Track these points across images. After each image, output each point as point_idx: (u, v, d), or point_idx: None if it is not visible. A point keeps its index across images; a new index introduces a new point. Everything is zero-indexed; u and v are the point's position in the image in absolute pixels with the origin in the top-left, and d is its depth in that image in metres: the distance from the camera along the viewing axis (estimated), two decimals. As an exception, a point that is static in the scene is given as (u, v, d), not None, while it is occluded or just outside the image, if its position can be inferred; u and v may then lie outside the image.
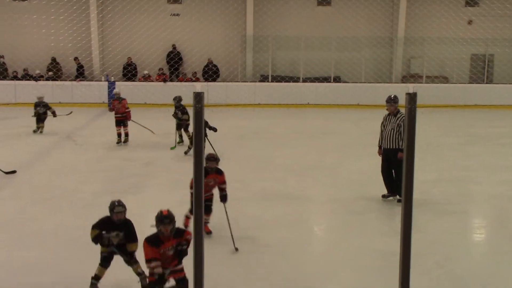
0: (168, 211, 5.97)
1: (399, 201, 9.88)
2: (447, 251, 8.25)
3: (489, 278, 7.34)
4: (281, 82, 25.09)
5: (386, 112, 10.43)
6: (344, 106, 23.41)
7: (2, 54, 25.47)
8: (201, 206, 2.65)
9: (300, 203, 10.47)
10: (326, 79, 25.41)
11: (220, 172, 8.43)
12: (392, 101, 10.28)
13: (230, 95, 23.88)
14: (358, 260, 7.93)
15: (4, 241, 8.43)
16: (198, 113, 2.56)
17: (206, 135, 10.88)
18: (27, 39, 25.51)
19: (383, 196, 10.38)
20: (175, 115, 15.33)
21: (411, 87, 23.37)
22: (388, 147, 10.24)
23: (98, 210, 9.12)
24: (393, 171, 10.24)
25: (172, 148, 15.17)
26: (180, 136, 15.63)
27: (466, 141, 17.08)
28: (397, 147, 10.13)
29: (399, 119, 10.18)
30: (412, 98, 2.78)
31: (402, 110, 10.02)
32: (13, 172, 12.08)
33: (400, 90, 21.49)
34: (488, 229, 9.74)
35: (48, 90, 23.64)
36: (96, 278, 6.60)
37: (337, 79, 25.82)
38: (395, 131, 10.14)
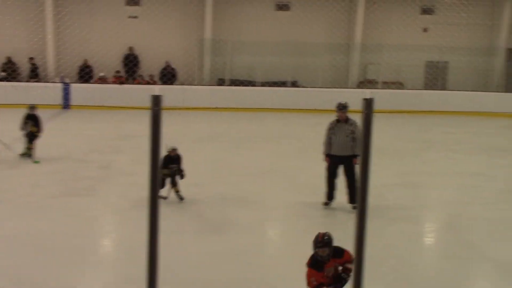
0: (324, 235, 5.84)
1: (354, 208, 9.78)
2: (401, 255, 8.35)
3: (442, 281, 7.45)
4: (239, 86, 25.08)
5: (334, 119, 10.27)
6: (301, 110, 23.51)
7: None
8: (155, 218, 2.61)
9: (256, 207, 10.47)
10: (283, 84, 25.50)
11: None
12: (343, 108, 10.17)
13: (187, 98, 23.74)
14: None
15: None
16: (156, 116, 2.53)
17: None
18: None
19: (325, 204, 10.30)
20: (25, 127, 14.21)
21: (368, 93, 23.60)
22: (342, 154, 10.06)
23: (54, 213, 9.05)
24: (346, 178, 10.11)
25: (36, 162, 13.47)
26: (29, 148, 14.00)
27: (421, 146, 17.34)
28: (351, 153, 10.00)
29: (352, 125, 10.08)
30: (369, 103, 2.79)
31: (352, 117, 10.08)
32: None
33: (357, 96, 21.60)
34: (441, 234, 9.91)
35: (1, 91, 23.16)
36: None
37: (294, 84, 25.93)
38: (349, 138, 10.02)
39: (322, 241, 5.75)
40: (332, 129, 10.20)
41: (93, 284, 7.39)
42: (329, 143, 10.19)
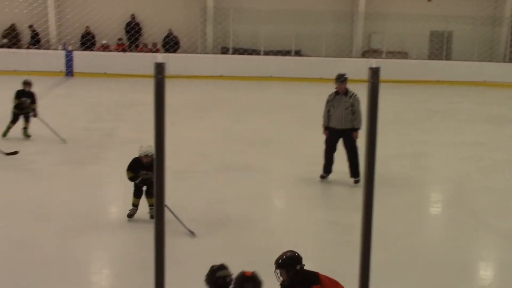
0: (252, 274, 4.59)
1: (356, 182, 9.78)
2: (406, 225, 8.38)
3: (446, 251, 7.48)
4: (242, 54, 24.93)
5: (333, 91, 9.99)
6: (305, 79, 23.40)
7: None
8: (162, 189, 2.59)
9: (259, 176, 10.48)
10: (287, 53, 25.34)
11: None
12: (342, 79, 9.88)
13: (190, 66, 23.60)
14: (318, 233, 8.00)
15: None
16: (160, 84, 2.49)
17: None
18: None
19: (322, 177, 10.11)
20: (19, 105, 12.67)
21: (374, 62, 23.37)
22: (341, 127, 9.78)
23: (59, 180, 9.08)
24: (347, 152, 9.87)
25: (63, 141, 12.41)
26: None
27: (425, 116, 17.27)
28: (351, 126, 9.74)
29: (351, 97, 9.79)
30: (375, 72, 2.73)
31: (351, 89, 9.91)
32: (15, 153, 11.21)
33: (361, 65, 21.61)
34: (445, 203, 9.94)
35: (2, 58, 23.07)
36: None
37: (298, 53, 25.77)
38: (349, 111, 9.72)
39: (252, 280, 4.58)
40: (331, 102, 9.90)
41: (99, 249, 7.43)
42: (327, 116, 9.91)
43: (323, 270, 6.06)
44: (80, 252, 7.17)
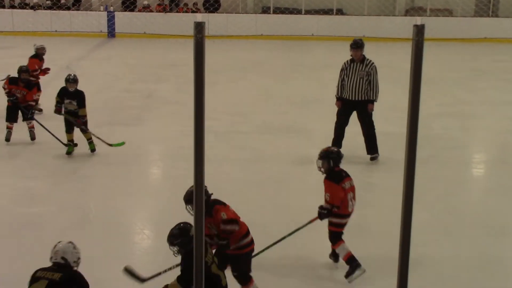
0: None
1: (373, 159, 9.02)
2: (448, 186, 8.28)
3: (489, 213, 7.38)
4: (283, 13, 24.67)
5: (349, 59, 9.04)
6: (347, 38, 23.03)
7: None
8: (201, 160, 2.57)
9: (301, 136, 10.44)
10: (328, 11, 24.98)
11: None
12: (358, 46, 8.91)
13: (231, 26, 23.49)
14: (359, 195, 7.94)
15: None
16: (199, 44, 2.46)
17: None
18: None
19: None
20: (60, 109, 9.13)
21: (418, 19, 22.87)
22: (356, 98, 8.86)
23: (100, 141, 9.18)
24: (361, 126, 9.03)
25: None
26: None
27: (470, 75, 16.89)
28: (366, 98, 8.85)
29: (368, 66, 8.82)
30: (419, 30, 2.66)
31: (368, 57, 8.98)
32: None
33: (405, 23, 21.21)
34: (489, 164, 9.75)
35: (46, 19, 23.29)
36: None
37: (339, 11, 25.39)
38: (364, 81, 8.79)
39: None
40: (345, 70, 8.97)
41: (139, 209, 7.54)
42: (341, 85, 9.00)
43: (355, 229, 6.10)
44: (121, 209, 7.30)
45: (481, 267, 6.01)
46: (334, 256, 5.89)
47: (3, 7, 24.54)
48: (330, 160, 5.69)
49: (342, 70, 9.05)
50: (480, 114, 12.45)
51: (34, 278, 4.08)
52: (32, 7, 24.16)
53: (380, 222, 6.87)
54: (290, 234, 5.72)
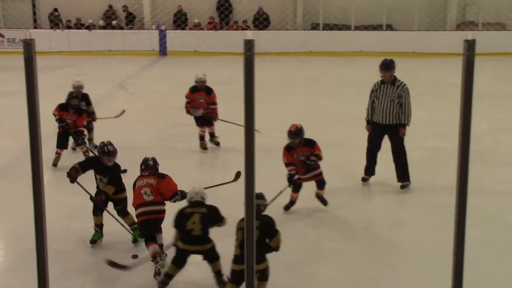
0: (296, 127, 7.69)
1: (403, 187, 8.51)
2: (501, 202, 8.11)
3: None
4: (332, 30, 24.70)
5: (379, 80, 8.54)
6: (397, 54, 22.92)
7: (55, 7, 25.60)
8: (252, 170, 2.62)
9: (349, 152, 10.38)
10: (378, 27, 24.89)
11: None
12: (387, 66, 8.40)
13: (280, 43, 23.64)
14: (404, 212, 7.85)
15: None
16: (249, 61, 2.51)
17: None
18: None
19: (363, 179, 8.79)
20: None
21: (469, 34, 22.58)
22: (387, 122, 8.39)
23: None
24: (392, 152, 8.55)
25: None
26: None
27: (523, 90, 16.57)
28: (397, 122, 8.34)
29: (399, 88, 8.31)
30: (470, 45, 2.65)
31: (400, 78, 8.51)
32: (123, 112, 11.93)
33: (457, 37, 20.92)
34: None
35: (101, 39, 23.86)
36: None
37: (389, 27, 25.27)
38: (395, 103, 8.29)
39: (293, 132, 7.62)
40: (375, 92, 8.48)
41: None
42: (371, 108, 8.56)
43: (398, 244, 6.02)
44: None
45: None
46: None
47: (59, 27, 25.20)
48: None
49: (372, 92, 8.55)
50: (535, 129, 12.18)
51: (186, 214, 5.50)
52: (88, 27, 24.77)
53: (426, 242, 6.78)
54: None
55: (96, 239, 6.66)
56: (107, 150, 6.70)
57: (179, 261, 5.48)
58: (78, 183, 6.65)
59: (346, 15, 25.19)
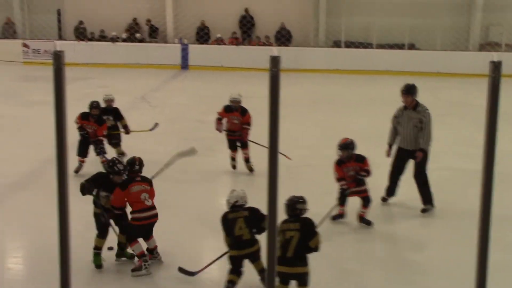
0: (346, 140, 7.91)
1: (424, 211, 8.54)
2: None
3: None
4: (355, 48, 24.68)
5: (401, 105, 8.59)
6: (419, 73, 22.87)
7: (81, 20, 25.90)
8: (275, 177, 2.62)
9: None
10: (400, 46, 24.85)
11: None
12: (409, 91, 8.39)
13: (302, 60, 23.66)
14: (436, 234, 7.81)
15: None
16: (275, 77, 2.53)
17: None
18: (106, 1, 25.86)
19: (383, 199, 8.87)
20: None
21: (495, 55, 22.44)
22: (410, 148, 8.44)
23: (173, 171, 9.35)
24: (414, 177, 8.56)
25: None
26: None
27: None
28: (417, 147, 8.38)
29: (420, 113, 8.32)
30: (496, 66, 2.65)
31: (422, 97, 8.60)
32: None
33: (478, 59, 20.81)
34: None
35: (124, 51, 24.06)
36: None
37: (412, 46, 25.21)
38: (418, 128, 8.31)
39: (342, 145, 7.87)
40: (398, 118, 8.56)
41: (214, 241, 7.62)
42: (394, 133, 8.67)
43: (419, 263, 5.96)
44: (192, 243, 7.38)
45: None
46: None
47: (85, 40, 25.46)
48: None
49: (394, 117, 8.67)
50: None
51: (230, 220, 5.85)
52: (111, 39, 25.01)
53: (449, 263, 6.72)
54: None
55: (100, 263, 6.56)
56: (117, 169, 6.60)
57: (237, 269, 5.84)
58: (97, 202, 6.64)
59: (368, 33, 25.18)
